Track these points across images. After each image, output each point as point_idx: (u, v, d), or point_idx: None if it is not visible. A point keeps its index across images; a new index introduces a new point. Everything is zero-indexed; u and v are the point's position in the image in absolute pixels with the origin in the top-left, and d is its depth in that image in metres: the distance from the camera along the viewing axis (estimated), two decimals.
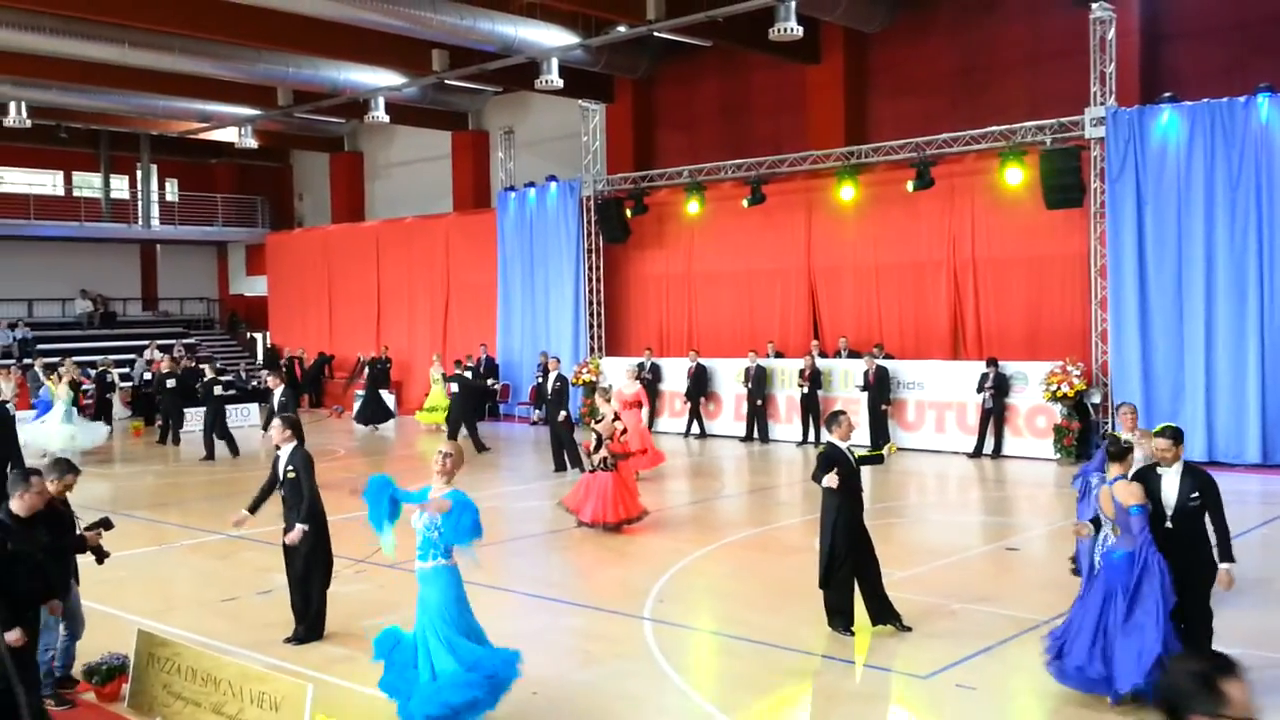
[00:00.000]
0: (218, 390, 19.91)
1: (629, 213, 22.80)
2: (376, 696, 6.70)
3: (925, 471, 16.86)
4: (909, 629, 8.28)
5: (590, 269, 23.58)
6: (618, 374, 19.99)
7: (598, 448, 12.46)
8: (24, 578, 6.12)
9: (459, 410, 19.75)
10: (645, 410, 17.77)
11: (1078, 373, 16.82)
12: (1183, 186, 16.18)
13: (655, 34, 20.46)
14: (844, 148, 20.27)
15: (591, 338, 23.60)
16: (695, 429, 21.09)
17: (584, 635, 8.73)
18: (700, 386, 21.02)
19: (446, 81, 24.08)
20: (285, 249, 32.42)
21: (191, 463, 19.31)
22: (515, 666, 6.51)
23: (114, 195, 33.33)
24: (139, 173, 33.49)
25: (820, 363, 19.55)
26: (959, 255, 19.53)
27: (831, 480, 8.07)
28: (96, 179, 33.32)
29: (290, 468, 8.28)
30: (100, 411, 24.16)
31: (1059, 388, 16.79)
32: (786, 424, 20.11)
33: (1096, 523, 7.07)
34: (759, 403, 20.07)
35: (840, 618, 8.29)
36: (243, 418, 23.61)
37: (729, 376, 20.95)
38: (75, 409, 20.22)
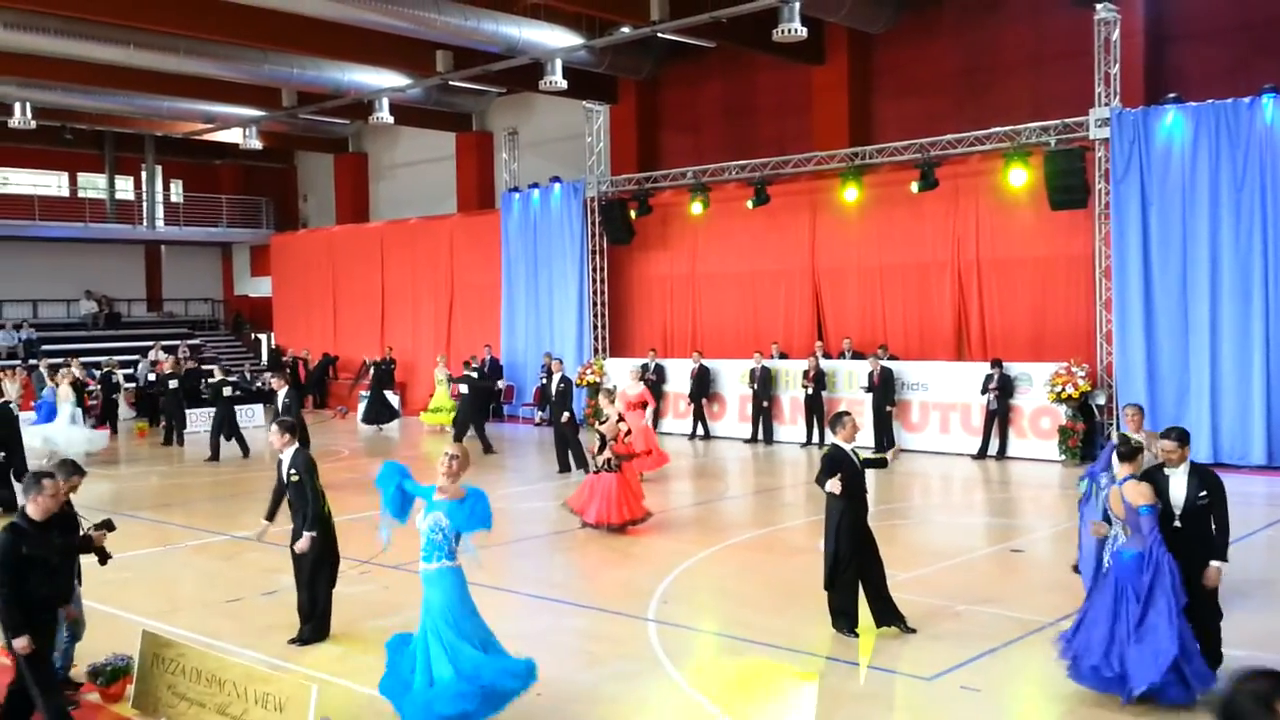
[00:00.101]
0: (226, 391, 19.92)
1: (633, 214, 22.80)
2: (381, 697, 6.71)
3: (929, 473, 16.84)
4: (913, 630, 8.27)
5: (594, 270, 23.58)
6: (622, 375, 19.99)
7: (602, 449, 12.46)
8: (39, 582, 6.12)
9: (468, 411, 19.72)
10: (650, 410, 17.75)
11: (1082, 374, 16.80)
12: (1187, 187, 16.15)
13: (659, 35, 20.47)
14: (848, 149, 20.26)
15: (595, 339, 23.60)
16: (700, 430, 21.09)
17: (588, 636, 8.72)
18: (703, 387, 21.01)
19: (451, 82, 24.10)
20: (290, 250, 32.45)
21: (196, 464, 19.33)
22: (518, 677, 6.45)
23: (119, 196, 33.39)
24: (144, 174, 33.54)
25: (824, 364, 19.54)
26: (963, 256, 19.51)
27: (834, 486, 8.08)
28: (101, 180, 33.39)
29: (293, 471, 8.30)
30: (106, 412, 24.22)
31: (1064, 389, 16.76)
32: (791, 425, 20.10)
33: (1107, 521, 7.10)
34: (764, 404, 20.06)
35: (844, 619, 8.29)
36: (248, 419, 23.63)
37: (733, 378, 20.94)
38: (81, 410, 20.23)
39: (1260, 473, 15.37)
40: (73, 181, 33.37)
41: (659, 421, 21.00)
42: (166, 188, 34.80)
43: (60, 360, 24.87)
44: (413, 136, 30.82)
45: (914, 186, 18.88)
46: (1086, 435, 16.81)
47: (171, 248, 35.20)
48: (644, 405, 16.95)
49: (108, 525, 7.12)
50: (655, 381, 21.02)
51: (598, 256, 23.61)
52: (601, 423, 12.97)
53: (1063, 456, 16.87)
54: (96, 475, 15.75)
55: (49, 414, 19.82)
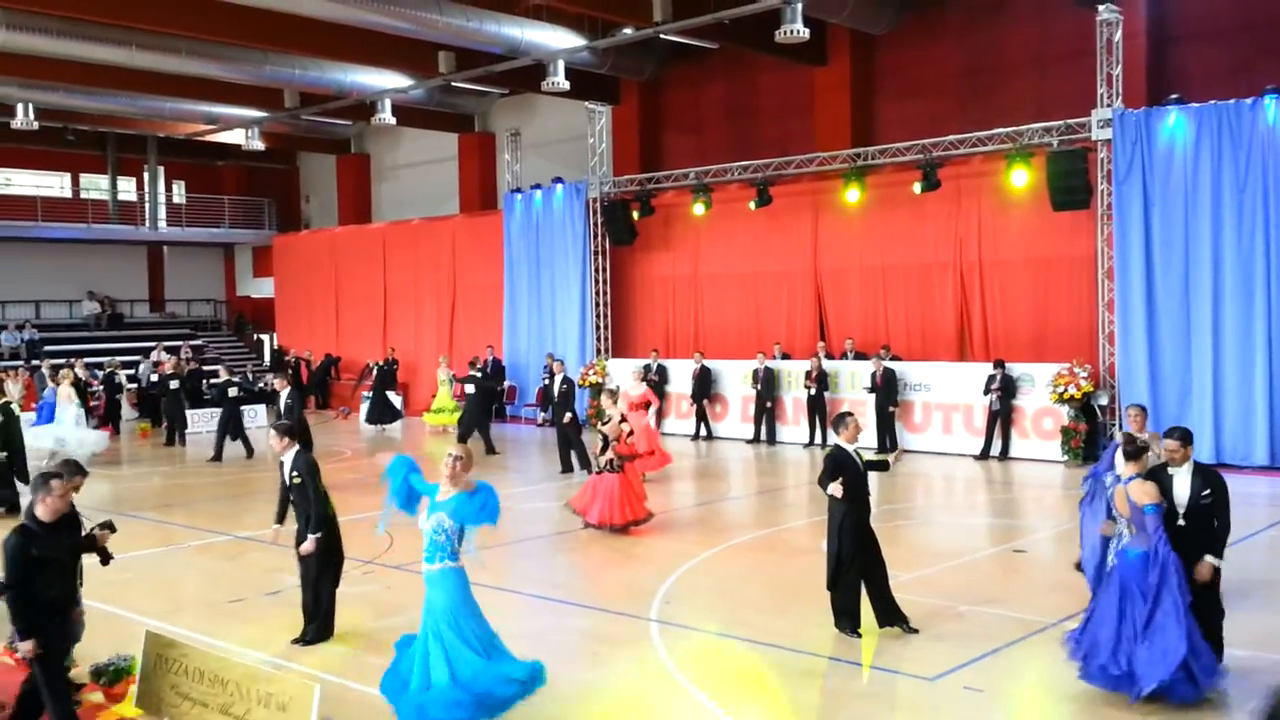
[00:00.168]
0: (232, 392, 19.93)
1: (635, 214, 22.81)
2: (382, 697, 6.72)
3: (932, 473, 16.84)
4: (916, 631, 8.27)
5: (596, 271, 23.59)
6: (624, 376, 19.99)
7: (604, 449, 12.46)
8: (48, 583, 6.11)
9: (475, 412, 19.71)
10: (654, 409, 17.76)
11: (1085, 375, 16.79)
12: (1189, 188, 16.14)
13: (662, 36, 20.47)
14: (850, 150, 20.26)
15: (598, 339, 23.61)
16: (702, 431, 21.08)
17: (590, 636, 8.73)
18: (704, 388, 21.01)
19: (453, 83, 24.10)
20: (292, 251, 32.47)
21: (198, 464, 19.35)
22: (518, 684, 6.40)
23: (121, 197, 33.41)
24: (146, 175, 33.58)
25: (826, 364, 19.53)
26: (966, 257, 19.51)
27: (836, 490, 8.10)
28: (104, 181, 33.42)
29: (295, 474, 8.31)
30: (109, 413, 24.24)
31: (1066, 390, 16.75)
32: (793, 426, 20.09)
33: (1112, 520, 7.13)
34: (769, 404, 20.06)
35: (847, 619, 8.29)
36: (250, 419, 23.62)
37: (735, 378, 20.94)
38: (84, 411, 20.23)
39: (1263, 473, 15.35)
40: (75, 182, 33.41)
41: (661, 422, 21.00)
42: (169, 189, 34.84)
43: (62, 361, 24.91)
44: (415, 137, 30.83)
45: (916, 187, 18.88)
46: (1089, 436, 16.80)
47: (174, 249, 35.24)
48: (646, 405, 16.96)
49: (109, 526, 7.14)
50: (657, 382, 21.01)
51: (600, 257, 23.62)
52: (604, 423, 12.97)
53: (1065, 457, 16.86)
54: (99, 476, 15.77)
55: (50, 415, 19.82)
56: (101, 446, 18.96)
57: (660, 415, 20.84)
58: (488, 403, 20.92)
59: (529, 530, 12.70)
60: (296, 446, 8.45)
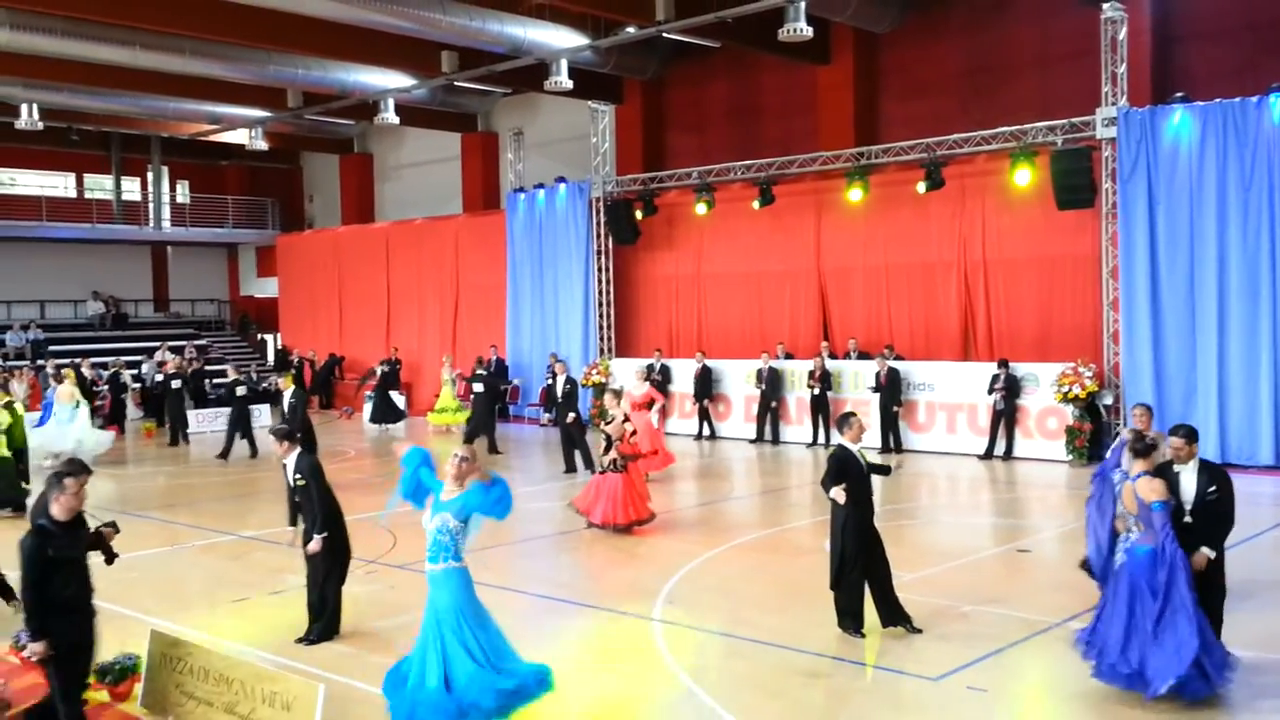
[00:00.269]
0: (240, 391, 19.95)
1: (638, 214, 22.80)
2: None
3: (936, 473, 16.82)
4: (920, 631, 8.26)
5: (600, 270, 23.59)
6: (627, 375, 19.99)
7: (608, 449, 12.47)
8: (64, 583, 6.11)
9: (483, 411, 19.72)
10: (659, 405, 17.75)
11: (1089, 374, 16.76)
12: (1194, 187, 16.11)
13: (664, 35, 20.45)
14: (854, 149, 20.24)
15: (601, 339, 23.61)
16: (705, 430, 21.07)
17: (593, 636, 8.74)
18: (706, 388, 20.99)
19: (456, 83, 24.11)
20: (295, 250, 32.50)
21: (202, 464, 19.38)
22: (513, 695, 6.33)
23: (125, 197, 33.44)
24: (150, 175, 33.61)
25: (830, 364, 19.52)
26: (969, 256, 19.48)
27: (839, 495, 8.11)
28: (108, 181, 33.45)
29: (298, 476, 8.33)
30: (114, 413, 24.29)
31: (1070, 389, 16.73)
32: (797, 425, 20.08)
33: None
34: (773, 404, 20.05)
35: (850, 619, 8.29)
36: (255, 419, 23.65)
37: (738, 378, 20.93)
38: (89, 410, 20.23)
39: (1268, 473, 15.32)
40: (79, 182, 33.44)
41: (665, 421, 20.97)
42: (173, 188, 34.88)
43: (66, 361, 24.96)
44: (418, 137, 30.84)
45: (920, 186, 18.86)
46: (1093, 435, 16.77)
47: (178, 248, 35.27)
48: (649, 405, 16.95)
49: (112, 526, 7.15)
50: (661, 382, 21.00)
51: (603, 257, 23.62)
52: (607, 423, 12.97)
53: (1070, 457, 16.84)
54: (104, 475, 15.81)
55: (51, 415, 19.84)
56: (103, 447, 18.95)
57: (664, 414, 20.84)
58: (493, 402, 20.94)
59: (532, 530, 12.71)
60: (298, 449, 8.46)
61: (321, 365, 28.72)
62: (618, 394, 14.59)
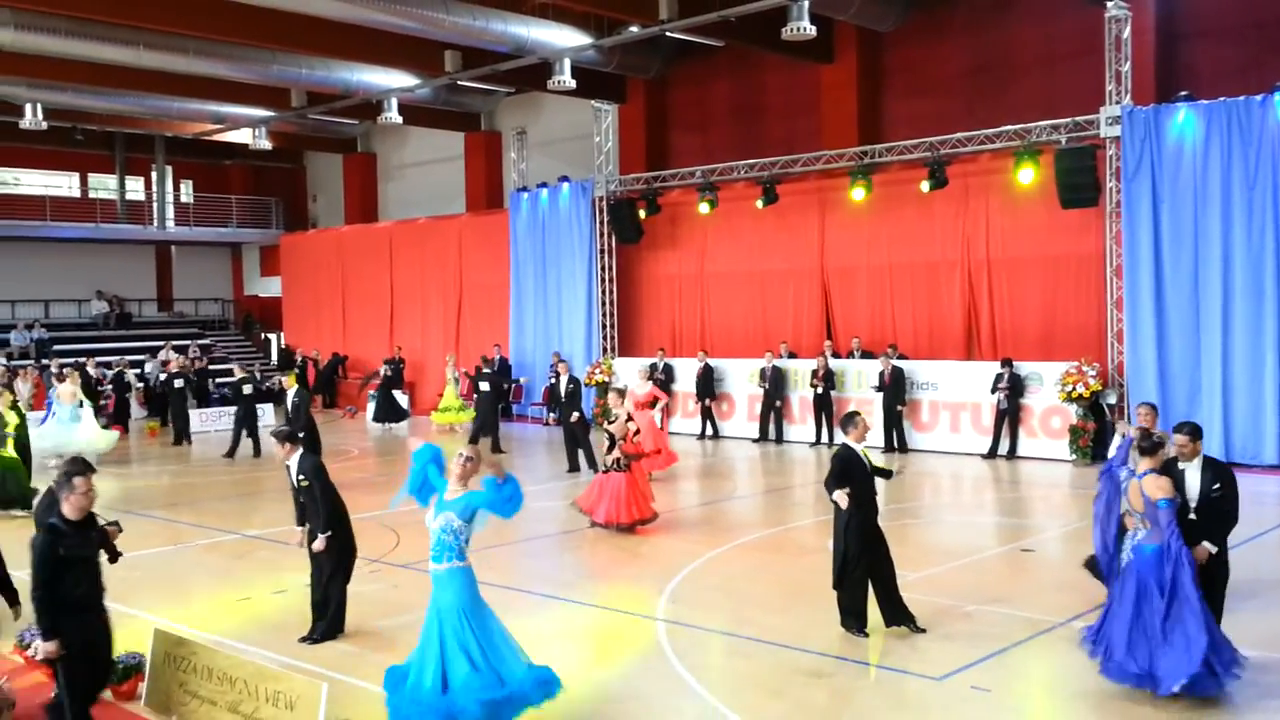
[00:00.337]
0: (247, 390, 19.97)
1: (642, 213, 22.80)
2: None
3: (940, 472, 16.80)
4: (923, 630, 8.26)
5: (603, 269, 23.59)
6: (630, 374, 19.98)
7: (611, 448, 12.47)
8: (75, 582, 6.11)
9: (490, 410, 19.73)
10: (663, 404, 17.74)
11: (1093, 373, 16.74)
12: (1199, 185, 16.08)
13: (668, 34, 20.46)
14: (857, 148, 20.23)
15: (604, 338, 23.61)
16: (708, 430, 21.06)
17: (597, 635, 8.74)
18: (707, 387, 20.98)
19: (459, 82, 24.12)
20: (299, 250, 32.54)
21: (205, 463, 19.39)
22: (493, 705, 6.25)
23: (129, 197, 33.50)
24: (154, 174, 33.66)
25: (833, 363, 19.51)
26: (973, 255, 19.46)
27: (842, 500, 8.13)
28: (112, 181, 33.50)
29: (301, 477, 8.34)
30: (118, 412, 24.33)
31: (1074, 388, 16.70)
32: (800, 425, 20.07)
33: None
34: (777, 404, 20.04)
35: (854, 619, 8.28)
36: (259, 418, 23.70)
37: (742, 377, 20.92)
38: (92, 409, 20.25)
39: (1272, 472, 15.30)
40: (83, 182, 33.49)
41: (668, 421, 20.98)
42: (176, 188, 34.92)
43: (70, 361, 25.00)
44: (421, 136, 30.86)
45: (924, 185, 18.85)
46: (1097, 435, 16.75)
47: (182, 248, 35.31)
48: (652, 404, 16.96)
49: (115, 525, 7.16)
50: (664, 381, 21.01)
51: (606, 256, 23.62)
52: (610, 422, 12.97)
53: (1073, 456, 16.82)
54: (108, 475, 15.82)
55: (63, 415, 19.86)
56: (107, 447, 18.97)
57: (668, 413, 20.85)
58: (497, 402, 20.96)
59: (536, 529, 12.71)
60: (300, 450, 8.46)
61: (325, 364, 28.74)
62: (622, 393, 14.58)
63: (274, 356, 33.85)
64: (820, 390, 19.21)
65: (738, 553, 11.46)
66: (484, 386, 19.89)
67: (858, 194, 19.71)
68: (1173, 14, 18.76)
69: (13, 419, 14.59)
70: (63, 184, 33.24)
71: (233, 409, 21.36)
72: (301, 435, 9.46)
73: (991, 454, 17.52)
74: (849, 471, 8.21)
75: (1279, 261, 15.53)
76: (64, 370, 21.22)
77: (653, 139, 25.33)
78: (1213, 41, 18.58)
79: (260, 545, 12.07)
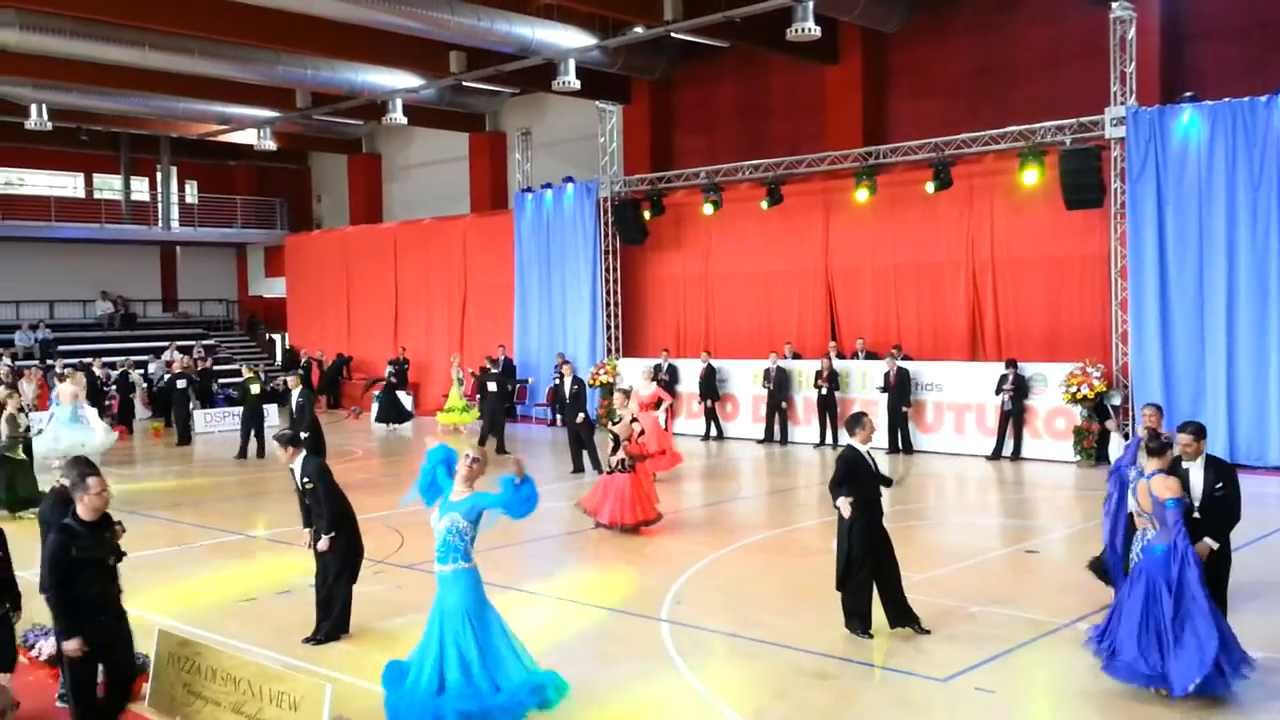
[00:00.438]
0: (254, 390, 19.98)
1: (646, 214, 22.80)
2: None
3: (944, 473, 16.78)
4: (928, 632, 8.25)
5: (607, 270, 23.59)
6: (635, 375, 19.99)
7: (615, 449, 12.47)
8: (88, 583, 6.11)
9: (498, 411, 19.71)
10: (667, 405, 17.73)
11: (1098, 374, 16.71)
12: (1204, 186, 16.05)
13: (672, 35, 20.45)
14: (862, 148, 20.21)
15: (608, 339, 23.61)
16: (713, 430, 21.05)
17: (601, 636, 8.73)
18: (711, 387, 20.97)
19: (464, 83, 24.13)
20: (304, 250, 32.58)
21: (209, 463, 19.41)
22: (505, 711, 6.26)
23: (134, 197, 33.56)
24: (159, 175, 33.72)
25: (838, 364, 19.49)
26: (978, 256, 19.44)
27: (844, 508, 8.13)
28: (117, 181, 33.56)
29: (305, 479, 8.34)
30: (123, 412, 24.36)
31: (1079, 389, 16.68)
32: (804, 425, 20.05)
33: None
34: (781, 404, 20.02)
35: (858, 620, 8.27)
36: (265, 419, 23.73)
37: (746, 378, 20.91)
38: (96, 409, 20.27)
39: (1276, 474, 15.26)
40: (88, 183, 33.55)
41: (672, 421, 20.97)
42: (181, 189, 34.95)
43: (74, 361, 25.04)
44: (426, 137, 30.88)
45: (928, 186, 18.83)
46: (1101, 436, 16.72)
47: (186, 248, 35.36)
48: (657, 404, 16.96)
49: (118, 525, 7.16)
50: (668, 382, 21.01)
51: (610, 257, 23.62)
52: (615, 423, 12.97)
53: (1078, 457, 16.79)
54: (111, 475, 15.78)
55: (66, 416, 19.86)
56: (107, 446, 18.98)
57: (672, 414, 20.84)
58: (503, 402, 20.98)
59: (540, 530, 12.70)
60: (303, 452, 8.46)
61: (329, 365, 28.77)
62: (627, 394, 14.60)
63: (279, 357, 33.88)
64: (825, 391, 19.19)
65: (742, 554, 11.45)
66: (491, 387, 19.89)
67: (862, 195, 19.69)
68: (1177, 14, 18.73)
69: (23, 421, 14.60)
70: (68, 184, 33.31)
71: (237, 410, 21.38)
72: (306, 436, 9.49)
73: (996, 455, 17.50)
74: (854, 473, 8.20)
75: None
76: (64, 370, 21.24)
77: (657, 140, 25.33)
78: (1218, 42, 18.55)
79: (265, 546, 12.09)
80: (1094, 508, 12.11)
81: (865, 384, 19.23)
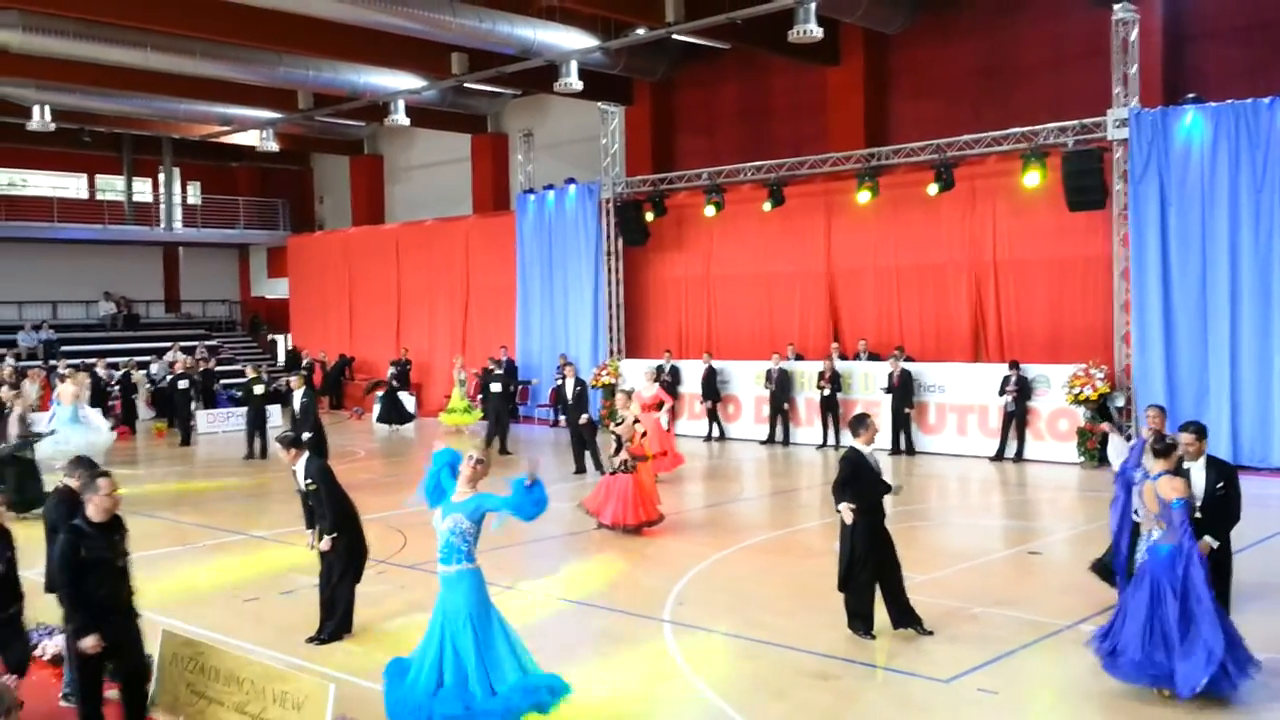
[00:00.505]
0: (258, 390, 20.00)
1: (648, 215, 22.81)
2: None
3: (947, 475, 16.78)
4: (930, 633, 8.25)
5: (609, 271, 23.59)
6: (637, 376, 19.99)
7: (618, 450, 12.47)
8: (96, 584, 6.12)
9: (502, 412, 19.69)
10: (668, 407, 17.73)
11: (1101, 376, 16.70)
12: (1206, 188, 16.04)
13: (674, 36, 20.46)
14: (864, 150, 20.21)
15: (610, 340, 23.61)
16: (715, 431, 21.05)
17: (603, 637, 8.73)
18: (712, 389, 20.96)
19: (466, 84, 24.15)
20: (306, 251, 32.60)
21: (211, 463, 19.42)
22: (507, 713, 6.25)
23: (137, 198, 33.59)
24: (161, 176, 33.73)
25: (840, 365, 19.49)
26: (980, 257, 19.43)
27: (846, 514, 8.15)
28: (120, 182, 33.59)
29: (309, 480, 8.35)
30: (126, 413, 24.37)
31: (1082, 391, 16.67)
32: (807, 427, 20.05)
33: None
34: (783, 405, 20.02)
35: (860, 621, 8.28)
36: (269, 419, 23.73)
37: (748, 379, 20.91)
38: (100, 410, 20.28)
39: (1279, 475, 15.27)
40: (91, 184, 33.59)
41: (674, 422, 20.95)
42: (184, 190, 34.98)
43: (77, 361, 25.06)
44: (428, 138, 30.90)
45: (931, 188, 18.83)
46: (1101, 437, 16.69)
47: (189, 249, 35.40)
48: (659, 406, 16.96)
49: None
50: (670, 383, 21.01)
51: (613, 258, 23.62)
52: (618, 424, 12.98)
53: (1080, 459, 16.78)
54: (114, 475, 15.80)
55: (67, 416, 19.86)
56: (104, 447, 18.96)
57: (674, 415, 20.83)
58: (507, 403, 20.98)
59: (542, 530, 12.67)
60: (306, 454, 8.47)
61: (332, 366, 28.79)
62: (629, 395, 14.60)
63: (281, 358, 33.90)
64: (827, 392, 19.19)
65: (744, 555, 11.45)
66: (496, 388, 19.90)
67: (864, 196, 19.69)
68: (1180, 16, 18.72)
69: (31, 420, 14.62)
70: (70, 185, 33.36)
71: (240, 410, 21.38)
72: (308, 437, 9.49)
73: (999, 456, 17.50)
74: (858, 474, 8.21)
75: None
76: (65, 371, 21.25)
77: (659, 141, 25.34)
78: (1220, 43, 18.54)
79: (268, 546, 12.09)
80: (1097, 509, 12.11)
81: (868, 385, 19.23)
